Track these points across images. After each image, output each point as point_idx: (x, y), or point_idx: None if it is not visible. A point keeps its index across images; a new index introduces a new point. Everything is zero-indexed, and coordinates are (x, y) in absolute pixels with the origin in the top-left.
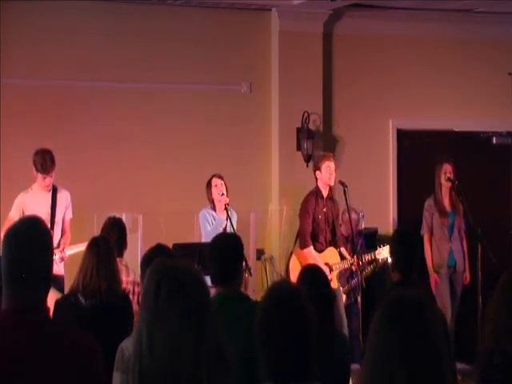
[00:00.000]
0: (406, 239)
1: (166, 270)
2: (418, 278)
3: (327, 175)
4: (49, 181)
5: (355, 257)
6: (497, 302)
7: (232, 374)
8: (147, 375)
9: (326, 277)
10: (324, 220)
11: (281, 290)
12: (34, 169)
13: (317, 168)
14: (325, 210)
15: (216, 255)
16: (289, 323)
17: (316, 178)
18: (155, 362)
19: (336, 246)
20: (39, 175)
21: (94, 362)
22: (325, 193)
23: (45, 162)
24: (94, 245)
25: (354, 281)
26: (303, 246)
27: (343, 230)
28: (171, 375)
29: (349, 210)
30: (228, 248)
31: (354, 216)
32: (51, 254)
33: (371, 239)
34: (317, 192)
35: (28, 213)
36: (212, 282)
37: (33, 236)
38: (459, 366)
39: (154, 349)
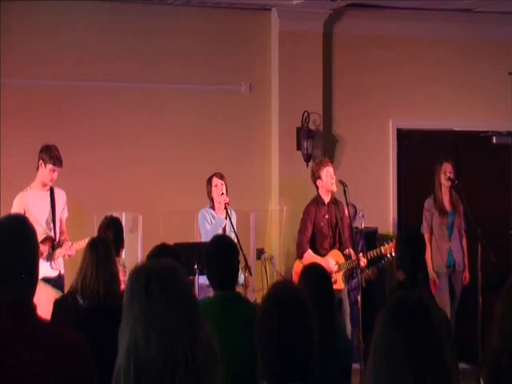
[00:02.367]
0: (413, 239)
1: (150, 269)
2: (421, 278)
3: (329, 181)
4: (56, 175)
5: (360, 254)
6: (505, 303)
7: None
8: (142, 373)
9: (328, 276)
10: (327, 226)
11: (281, 290)
12: (41, 163)
13: (317, 177)
14: (327, 216)
15: (215, 260)
16: (289, 324)
17: (317, 187)
18: (152, 358)
19: (342, 249)
20: (48, 168)
21: (85, 362)
22: (327, 199)
23: (55, 155)
24: (93, 246)
25: (355, 281)
26: (301, 254)
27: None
28: (167, 370)
29: (349, 209)
30: (227, 252)
31: (350, 210)
32: (37, 251)
33: (371, 239)
34: (317, 200)
35: (30, 212)
36: (212, 286)
37: (20, 232)
38: (459, 365)
39: (151, 345)
